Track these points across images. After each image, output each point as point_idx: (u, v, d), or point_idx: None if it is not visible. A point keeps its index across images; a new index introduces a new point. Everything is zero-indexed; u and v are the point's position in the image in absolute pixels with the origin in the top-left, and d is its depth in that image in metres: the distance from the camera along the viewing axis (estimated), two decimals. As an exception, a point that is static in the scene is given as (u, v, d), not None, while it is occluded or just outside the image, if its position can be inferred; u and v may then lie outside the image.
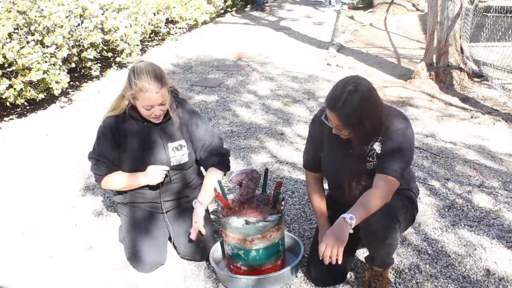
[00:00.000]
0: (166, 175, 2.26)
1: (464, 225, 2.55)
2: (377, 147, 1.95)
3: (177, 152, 2.28)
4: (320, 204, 2.18)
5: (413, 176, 2.20)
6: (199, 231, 2.27)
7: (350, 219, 1.78)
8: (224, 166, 2.36)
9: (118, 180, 2.27)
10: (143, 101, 2.08)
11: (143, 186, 2.29)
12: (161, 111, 2.14)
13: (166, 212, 2.39)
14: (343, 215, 1.81)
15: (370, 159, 1.96)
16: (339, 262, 1.77)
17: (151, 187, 2.30)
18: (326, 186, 2.28)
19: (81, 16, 4.88)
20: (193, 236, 2.25)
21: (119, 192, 2.39)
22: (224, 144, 2.48)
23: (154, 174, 2.21)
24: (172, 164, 2.28)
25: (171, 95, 2.23)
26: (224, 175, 2.38)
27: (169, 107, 2.20)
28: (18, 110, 4.66)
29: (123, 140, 2.24)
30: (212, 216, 2.63)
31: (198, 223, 2.27)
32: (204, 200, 2.30)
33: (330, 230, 1.81)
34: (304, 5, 10.98)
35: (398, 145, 1.91)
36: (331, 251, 1.76)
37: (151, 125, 2.24)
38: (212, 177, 2.31)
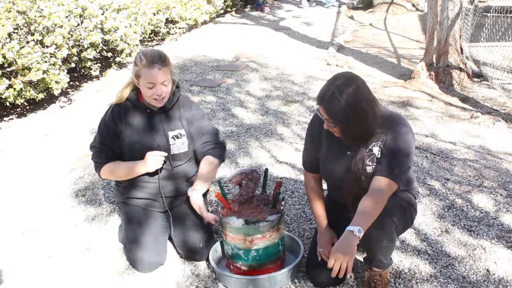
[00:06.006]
0: (164, 162, 2.27)
1: (464, 225, 2.55)
2: (376, 151, 1.94)
3: (177, 140, 2.30)
4: (318, 205, 2.17)
5: (413, 178, 2.19)
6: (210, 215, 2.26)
7: (359, 231, 1.76)
8: (219, 155, 2.35)
9: (117, 168, 2.28)
10: (146, 77, 2.13)
11: (142, 176, 2.29)
12: (163, 92, 2.17)
13: (166, 211, 2.39)
14: (350, 228, 1.77)
15: (370, 163, 1.94)
16: (348, 275, 1.74)
17: (150, 176, 2.30)
18: (325, 186, 2.28)
19: (80, 16, 4.87)
20: (210, 220, 2.25)
21: (119, 188, 2.39)
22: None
23: (152, 160, 2.22)
24: (173, 152, 2.30)
25: (173, 84, 2.26)
26: (219, 165, 2.37)
27: (171, 95, 2.23)
28: (18, 110, 4.66)
29: (125, 128, 2.27)
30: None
31: (203, 211, 2.24)
32: (199, 187, 2.27)
33: (338, 244, 1.79)
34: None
35: (399, 149, 1.90)
36: (340, 266, 1.74)
37: (153, 112, 2.26)
38: (208, 165, 2.30)
